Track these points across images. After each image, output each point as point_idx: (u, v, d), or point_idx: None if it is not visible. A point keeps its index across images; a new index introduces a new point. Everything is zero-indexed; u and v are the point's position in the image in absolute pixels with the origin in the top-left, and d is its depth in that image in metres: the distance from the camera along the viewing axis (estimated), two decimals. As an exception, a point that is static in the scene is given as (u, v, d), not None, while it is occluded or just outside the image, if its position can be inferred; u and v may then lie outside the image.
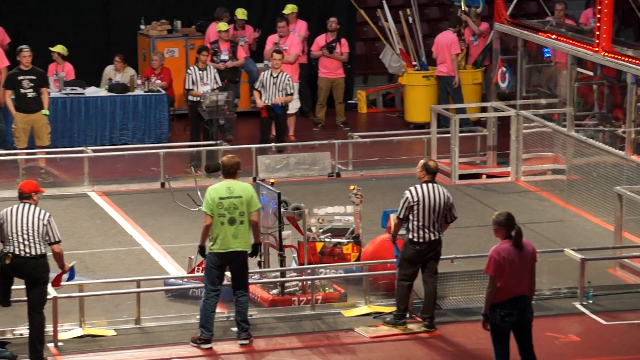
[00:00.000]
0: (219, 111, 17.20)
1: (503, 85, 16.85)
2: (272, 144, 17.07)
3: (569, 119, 15.43)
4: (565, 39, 15.56)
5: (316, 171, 16.25)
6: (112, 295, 11.90)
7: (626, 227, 13.11)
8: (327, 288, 12.06)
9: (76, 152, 16.66)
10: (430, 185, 11.44)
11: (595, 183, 14.72)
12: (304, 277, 12.04)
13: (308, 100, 19.82)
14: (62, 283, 10.92)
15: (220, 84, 17.67)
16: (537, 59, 16.42)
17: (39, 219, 10.58)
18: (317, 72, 19.45)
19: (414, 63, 19.60)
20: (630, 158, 14.14)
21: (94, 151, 16.56)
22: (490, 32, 18.66)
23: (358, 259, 12.52)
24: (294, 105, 18.53)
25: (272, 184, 12.22)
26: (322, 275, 12.15)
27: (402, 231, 11.56)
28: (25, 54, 16.32)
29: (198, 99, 17.34)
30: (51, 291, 11.06)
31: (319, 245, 12.58)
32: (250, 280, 11.35)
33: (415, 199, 11.37)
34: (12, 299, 10.91)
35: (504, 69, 16.80)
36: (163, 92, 18.53)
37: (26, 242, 10.56)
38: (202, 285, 11.31)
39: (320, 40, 19.33)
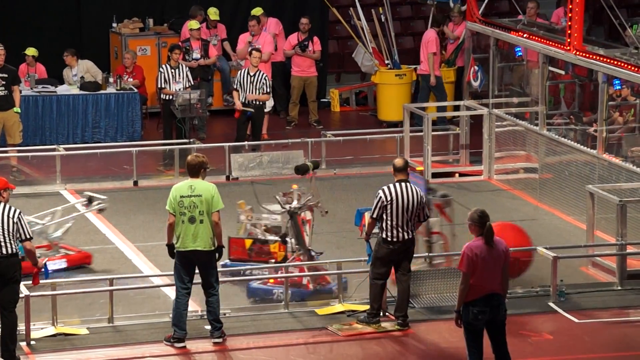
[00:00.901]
0: (192, 109, 17.17)
1: (475, 84, 16.90)
2: (246, 142, 17.05)
3: (540, 117, 15.50)
4: (537, 38, 15.62)
5: (289, 169, 16.25)
6: (85, 294, 11.86)
7: (598, 226, 13.18)
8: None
9: (48, 150, 16.58)
10: (403, 184, 11.47)
11: (567, 181, 14.79)
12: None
13: (281, 99, 19.81)
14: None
15: (192, 82, 17.64)
16: (509, 57, 16.48)
17: (9, 216, 10.52)
18: (290, 71, 19.45)
19: (386, 62, 19.63)
20: (602, 157, 14.22)
21: (66, 149, 16.49)
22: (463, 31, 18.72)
23: (284, 260, 12.41)
24: (267, 104, 18.51)
25: (421, 172, 12.46)
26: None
27: (376, 229, 11.59)
28: (-1, 52, 16.24)
29: (171, 97, 17.30)
30: (23, 290, 11.01)
31: (247, 242, 12.64)
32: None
33: (389, 199, 11.40)
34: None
35: (476, 67, 16.85)
36: (135, 90, 18.48)
37: (-3, 241, 10.49)
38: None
39: (293, 39, 19.33)
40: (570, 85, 15.56)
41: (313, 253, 12.40)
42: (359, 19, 19.73)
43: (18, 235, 10.54)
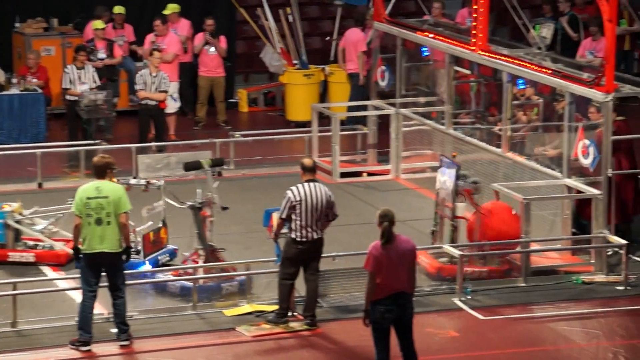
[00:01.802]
0: (98, 110, 17.02)
1: (383, 83, 17.00)
2: (152, 144, 16.93)
3: (447, 117, 15.64)
4: (442, 38, 15.77)
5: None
6: (-12, 299, 11.66)
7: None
8: (495, 263, 12.49)
9: (-50, 152, 16.28)
10: (311, 184, 11.49)
11: (475, 177, 14.91)
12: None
13: (188, 100, 19.70)
14: None
15: (98, 82, 17.47)
16: (416, 57, 16.61)
17: None
18: (197, 71, 19.34)
19: (294, 62, 19.64)
20: (507, 155, 14.41)
21: (-32, 151, 16.21)
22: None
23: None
24: (175, 105, 18.42)
25: (454, 156, 13.01)
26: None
27: (284, 230, 11.59)
28: None
29: (76, 98, 17.12)
30: None
31: (151, 235, 12.91)
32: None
33: (298, 199, 11.40)
34: None
35: (383, 67, 16.95)
36: (39, 91, 18.23)
37: None
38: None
39: (199, 38, 19.24)
40: (476, 85, 15.73)
41: (216, 248, 12.38)
42: (267, 19, 19.72)
43: None
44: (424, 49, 16.32)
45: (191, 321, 11.68)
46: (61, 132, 18.21)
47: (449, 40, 15.57)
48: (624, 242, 12.68)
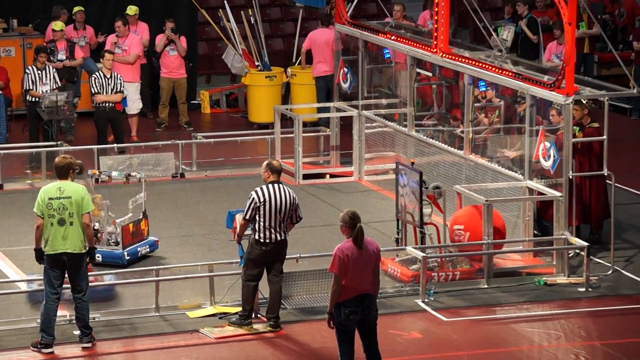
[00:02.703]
0: (59, 111, 16.94)
1: (345, 85, 17.04)
2: (114, 145, 16.87)
3: (409, 119, 15.70)
4: (404, 40, 15.83)
5: (160, 172, 16.13)
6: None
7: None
8: (463, 264, 12.45)
9: None
10: (276, 185, 11.49)
11: (436, 182, 14.99)
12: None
13: (149, 101, 19.64)
14: None
15: (59, 83, 17.40)
16: (378, 59, 16.66)
17: None
18: (158, 73, 19.29)
19: (256, 63, 19.64)
20: (469, 157, 14.49)
21: None
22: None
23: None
24: (136, 106, 18.37)
25: (412, 164, 12.92)
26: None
27: (247, 231, 11.58)
28: None
29: (37, 99, 17.03)
30: None
31: (130, 227, 13.09)
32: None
33: (262, 200, 11.41)
34: None
35: (345, 69, 16.99)
36: None
37: None
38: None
39: (160, 37, 19.18)
40: (437, 87, 15.81)
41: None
42: (229, 21, 19.70)
43: None
44: (386, 51, 16.37)
45: (154, 323, 11.64)
46: (22, 133, 18.10)
47: (410, 43, 15.63)
48: (585, 243, 12.79)
